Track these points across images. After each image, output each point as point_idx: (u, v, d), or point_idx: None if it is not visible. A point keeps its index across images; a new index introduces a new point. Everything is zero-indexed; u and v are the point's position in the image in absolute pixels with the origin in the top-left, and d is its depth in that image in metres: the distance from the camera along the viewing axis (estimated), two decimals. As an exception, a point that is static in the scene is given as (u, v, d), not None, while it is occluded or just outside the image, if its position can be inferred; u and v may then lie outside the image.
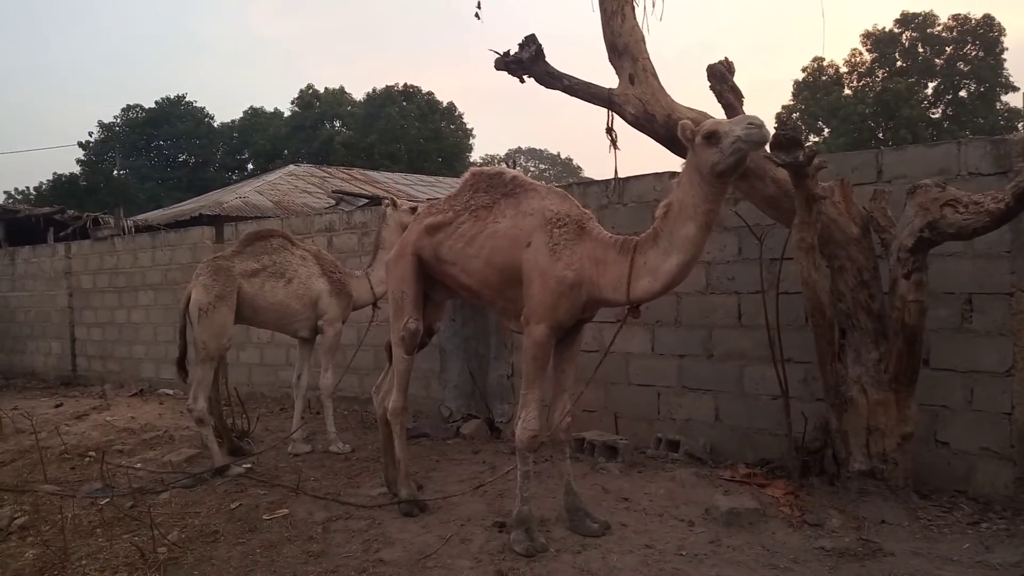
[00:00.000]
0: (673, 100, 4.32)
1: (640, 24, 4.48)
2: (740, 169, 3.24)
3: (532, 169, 55.34)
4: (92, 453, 6.19)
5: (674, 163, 4.78)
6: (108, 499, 4.90)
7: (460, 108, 43.25)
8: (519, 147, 62.27)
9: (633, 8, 4.41)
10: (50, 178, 38.65)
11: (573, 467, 4.23)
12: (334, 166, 23.02)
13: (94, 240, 11.21)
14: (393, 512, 4.45)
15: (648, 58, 4.29)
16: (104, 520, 4.52)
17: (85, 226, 12.61)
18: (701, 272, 5.31)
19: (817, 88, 37.91)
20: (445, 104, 42.52)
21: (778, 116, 37.41)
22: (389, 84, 41.98)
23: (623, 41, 4.29)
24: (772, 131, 3.20)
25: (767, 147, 3.62)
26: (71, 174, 39.05)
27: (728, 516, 4.02)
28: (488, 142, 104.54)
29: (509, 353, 6.44)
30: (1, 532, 4.39)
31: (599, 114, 4.47)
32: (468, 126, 43.29)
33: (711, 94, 4.47)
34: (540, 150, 65.96)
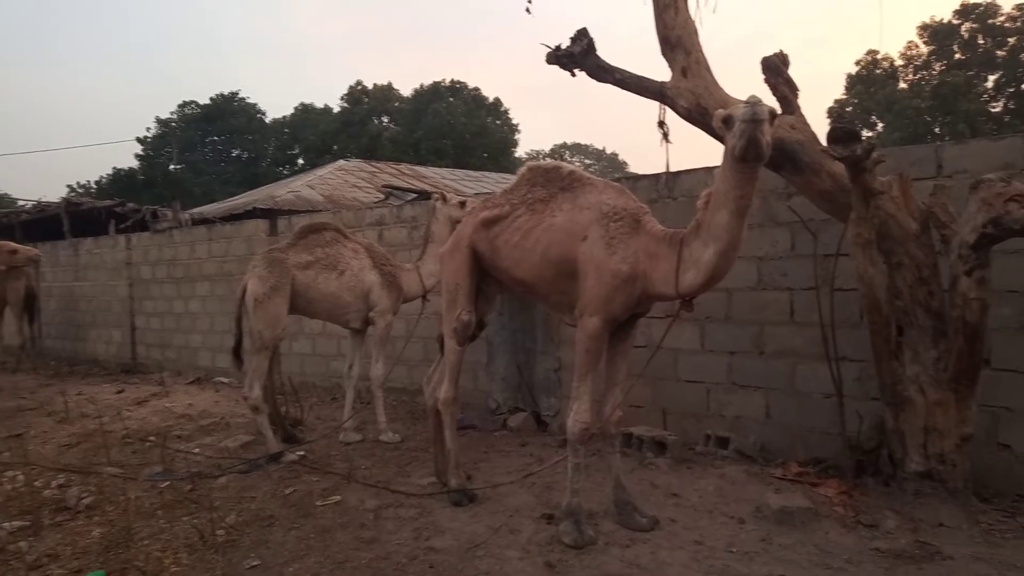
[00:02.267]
0: (726, 93, 4.28)
1: (693, 16, 4.46)
2: (757, 152, 3.17)
3: (577, 164, 55.13)
4: (152, 438, 6.41)
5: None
6: (168, 482, 5.06)
7: (506, 103, 43.40)
8: (564, 142, 62.27)
9: (686, 1, 4.38)
10: (110, 172, 39.93)
11: (621, 462, 4.24)
12: (382, 161, 23.31)
13: (153, 232, 11.56)
14: (443, 501, 4.51)
15: (701, 51, 4.26)
16: (165, 502, 4.68)
17: (144, 219, 13.04)
18: (752, 268, 5.25)
19: (871, 82, 36.96)
20: (491, 99, 42.66)
21: (830, 110, 36.61)
22: (436, 80, 42.31)
23: (676, 34, 4.27)
24: (767, 107, 3.17)
25: (825, 141, 3.58)
26: (130, 168, 40.27)
27: (780, 514, 3.98)
28: (533, 137, 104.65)
29: (556, 347, 6.46)
30: (69, 511, 4.58)
31: (645, 109, 4.47)
32: (514, 121, 43.36)
33: (766, 87, 4.42)
34: (585, 145, 65.75)
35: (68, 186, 40.65)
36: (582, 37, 4.27)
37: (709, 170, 5.47)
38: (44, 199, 16.37)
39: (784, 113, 4.16)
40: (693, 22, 4.30)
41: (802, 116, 4.26)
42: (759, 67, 4.41)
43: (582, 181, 4.05)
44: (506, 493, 4.61)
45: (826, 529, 3.90)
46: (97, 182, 40.16)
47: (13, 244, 8.21)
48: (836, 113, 36.00)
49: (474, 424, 6.53)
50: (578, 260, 3.84)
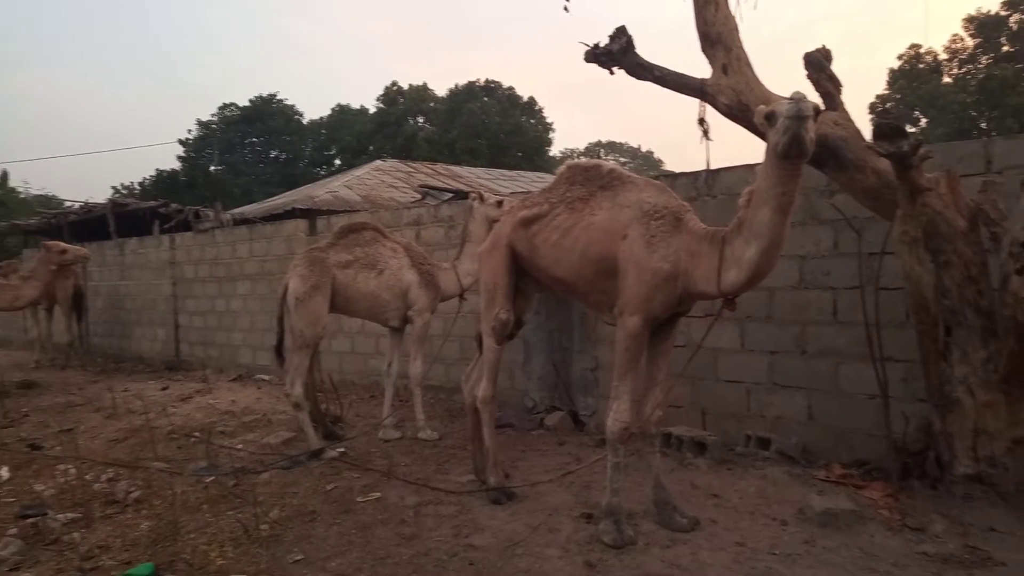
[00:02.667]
0: (768, 89, 4.23)
1: (733, 12, 4.41)
2: (800, 148, 3.14)
3: (603, 159, 54.89)
4: (197, 433, 6.54)
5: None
6: (213, 477, 5.16)
7: (541, 102, 43.35)
8: (599, 140, 62.04)
9: (726, -3, 4.34)
10: (153, 174, 40.81)
11: (661, 462, 4.22)
12: (418, 161, 23.48)
13: (196, 232, 11.80)
14: (481, 499, 4.53)
15: (742, 47, 4.22)
16: (210, 497, 4.77)
17: (187, 219, 13.32)
18: (794, 266, 5.18)
19: (914, 76, 36.15)
20: (526, 99, 42.66)
21: (872, 106, 35.90)
22: (471, 80, 42.45)
23: (716, 30, 4.23)
24: (811, 103, 3.13)
25: (870, 137, 3.52)
26: (172, 170, 41.08)
27: (823, 516, 3.92)
28: (568, 136, 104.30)
29: (593, 346, 6.44)
30: (119, 504, 4.70)
31: (680, 107, 4.46)
32: (548, 120, 43.31)
33: (807, 83, 4.36)
34: (620, 143, 65.42)
35: (113, 187, 41.64)
36: (621, 35, 4.25)
37: (749, 167, 5.41)
38: (91, 200, 16.81)
39: (827, 109, 4.09)
40: (734, 18, 4.26)
41: (846, 112, 4.19)
42: (798, 62, 4.36)
43: (622, 179, 4.04)
44: (545, 492, 4.61)
45: (871, 532, 3.83)
46: (141, 183, 41.05)
47: (63, 244, 8.45)
48: (878, 109, 35.28)
49: (511, 423, 6.54)
50: (618, 258, 3.82)
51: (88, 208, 15.76)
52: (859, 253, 4.71)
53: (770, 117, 3.21)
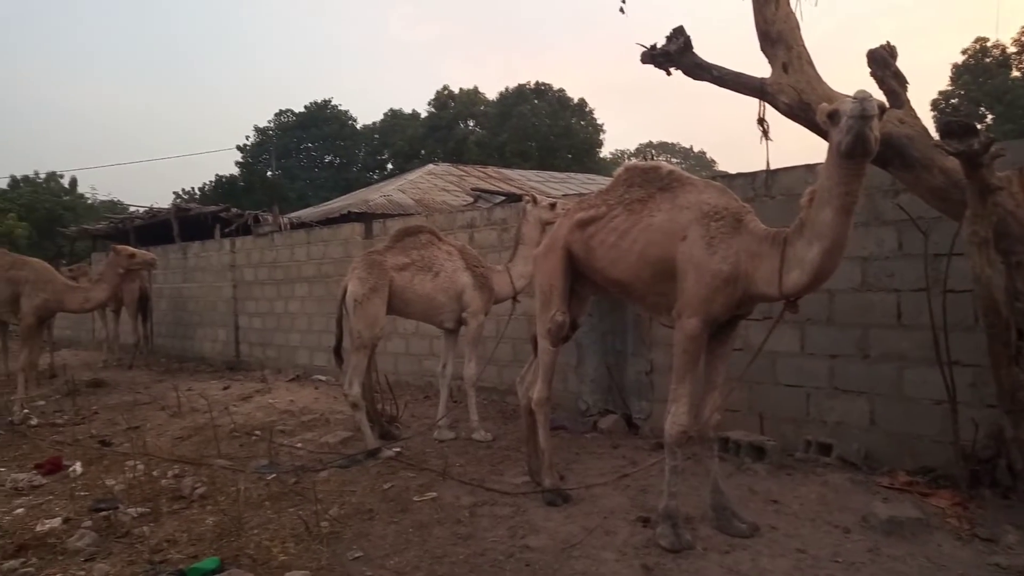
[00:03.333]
0: (830, 88, 4.14)
1: (794, 10, 4.33)
2: (864, 148, 3.07)
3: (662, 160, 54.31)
4: (258, 432, 6.71)
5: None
6: (274, 475, 5.29)
7: (591, 104, 43.19)
8: (650, 141, 61.42)
9: (787, -6, 4.27)
10: (212, 179, 41.99)
11: (719, 466, 4.16)
12: (469, 164, 23.65)
13: (256, 236, 12.09)
14: (537, 500, 4.54)
15: (803, 45, 4.14)
16: (271, 494, 4.90)
17: (247, 223, 13.65)
18: (856, 268, 5.06)
19: (980, 71, 34.83)
20: (576, 100, 42.55)
21: (935, 103, 34.75)
22: (521, 82, 42.58)
23: (776, 29, 4.16)
24: (876, 102, 3.06)
25: (938, 135, 3.42)
26: (230, 175, 42.21)
27: (888, 524, 3.82)
28: (618, 137, 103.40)
29: (648, 349, 6.39)
30: (185, 499, 4.85)
31: (734, 106, 4.39)
32: (599, 122, 43.12)
33: (870, 80, 4.26)
34: (672, 144, 64.65)
35: (174, 193, 43.02)
36: (678, 36, 4.21)
37: (810, 167, 5.31)
38: (156, 205, 17.35)
39: (892, 107, 3.99)
40: (794, 16, 4.18)
41: (911, 110, 4.08)
42: (855, 58, 4.26)
43: (681, 181, 4.01)
44: (600, 495, 4.60)
45: (938, 541, 3.72)
46: (201, 188, 42.29)
47: (131, 248, 8.71)
48: (941, 106, 34.15)
49: (564, 425, 6.54)
50: (677, 260, 3.79)
51: (153, 213, 16.27)
52: (925, 254, 4.58)
53: (833, 116, 3.16)
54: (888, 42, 4.20)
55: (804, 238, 3.43)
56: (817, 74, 4.12)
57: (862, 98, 3.02)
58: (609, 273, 4.22)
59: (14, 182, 39.53)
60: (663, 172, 4.09)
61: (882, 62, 4.13)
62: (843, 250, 3.40)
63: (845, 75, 4.35)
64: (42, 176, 40.30)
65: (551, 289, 4.49)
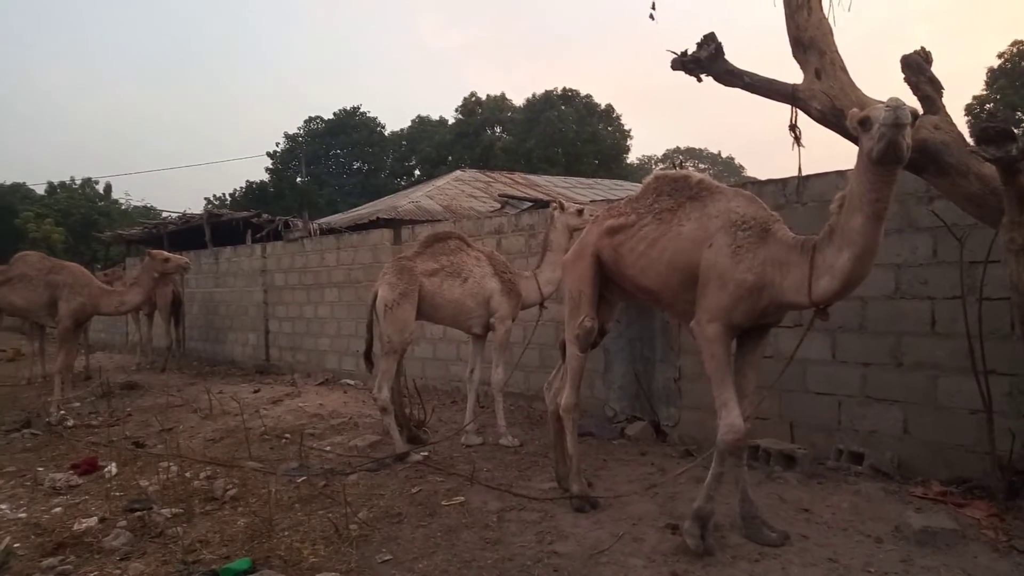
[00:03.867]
0: (864, 94, 4.10)
1: (826, 15, 4.30)
2: (896, 155, 3.05)
3: (692, 169, 53.97)
4: (288, 435, 6.79)
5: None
6: (304, 478, 5.35)
7: (618, 109, 43.11)
8: (677, 147, 61.13)
9: (819, 0, 4.23)
10: (243, 185, 42.60)
11: (748, 475, 4.13)
12: (496, 170, 23.73)
13: (286, 241, 12.24)
14: (564, 506, 4.54)
15: (836, 51, 4.10)
16: (301, 496, 4.95)
17: (277, 228, 13.83)
18: (889, 275, 5.00)
19: (1016, 75, 34.15)
20: (603, 106, 42.53)
21: (969, 107, 34.13)
22: (548, 88, 42.62)
23: (809, 35, 4.13)
24: (909, 109, 3.03)
25: (973, 141, 3.38)
26: (261, 181, 42.83)
27: (921, 535, 3.76)
28: (646, 143, 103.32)
29: (676, 356, 6.36)
30: (217, 501, 4.92)
31: (762, 111, 4.36)
32: (626, 127, 43.03)
33: (904, 85, 4.21)
34: (699, 149, 64.31)
35: (206, 198, 43.70)
36: (709, 42, 4.20)
37: (841, 173, 5.25)
38: (188, 211, 17.65)
39: (927, 113, 3.94)
40: (827, 22, 4.15)
41: (947, 115, 4.03)
42: (889, 62, 4.20)
43: (711, 190, 4.02)
44: (628, 502, 4.58)
45: (974, 553, 3.66)
46: (232, 194, 42.94)
47: (166, 253, 8.88)
48: (976, 110, 33.53)
49: (591, 432, 6.52)
50: (701, 266, 3.81)
51: (186, 218, 16.55)
52: (961, 261, 4.51)
53: (864, 123, 3.14)
54: (923, 47, 4.14)
55: (834, 245, 3.41)
56: (850, 80, 4.08)
57: (895, 106, 3.00)
58: (638, 280, 4.23)
59: (51, 188, 40.47)
60: (692, 181, 4.11)
61: (917, 68, 4.08)
62: (874, 257, 3.37)
63: (879, 80, 4.31)
64: (78, 182, 41.22)
65: (580, 295, 4.51)
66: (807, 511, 4.30)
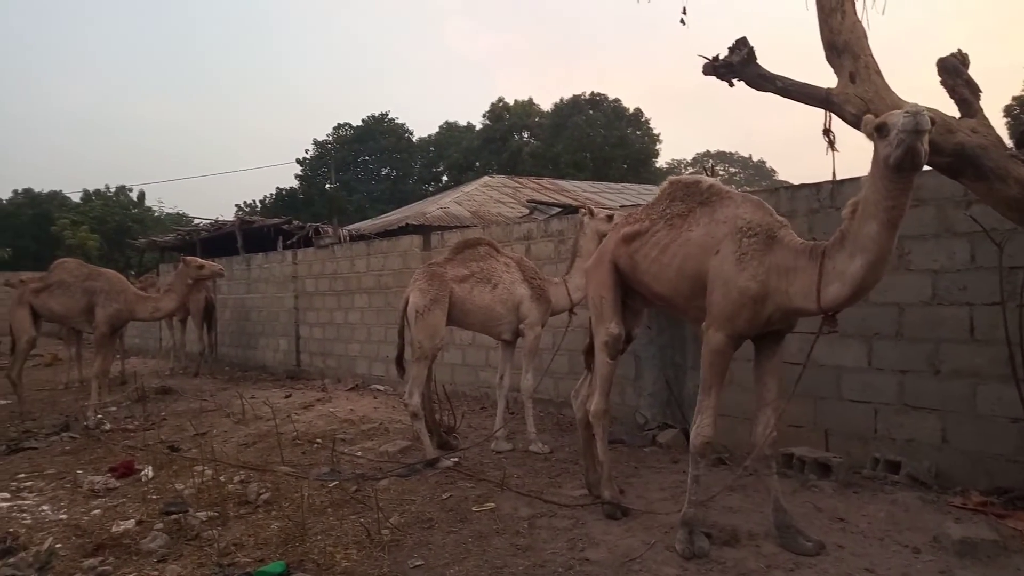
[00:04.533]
0: (899, 97, 4.04)
1: (860, 19, 4.25)
2: (914, 161, 3.02)
3: (722, 173, 53.45)
4: (319, 440, 6.85)
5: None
6: (336, 482, 5.39)
7: (647, 113, 42.96)
8: (707, 150, 60.58)
9: (853, 4, 4.19)
10: (273, 192, 43.18)
11: (781, 483, 4.09)
12: (524, 176, 23.76)
13: (317, 248, 12.37)
14: (595, 513, 4.53)
15: (871, 55, 4.05)
16: (333, 501, 4.99)
17: (308, 235, 13.97)
18: (926, 281, 4.92)
19: (1057, 75, 33.41)
20: (631, 110, 42.40)
21: (1008, 108, 33.46)
22: (576, 93, 42.61)
23: (843, 39, 4.09)
24: (929, 115, 2.98)
25: (1014, 145, 3.32)
26: (290, 188, 43.42)
27: (961, 546, 3.69)
28: (675, 146, 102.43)
29: (708, 362, 6.30)
30: (250, 504, 4.98)
31: (794, 114, 4.31)
32: (655, 131, 42.86)
33: (940, 89, 4.14)
34: (730, 153, 63.72)
35: (236, 205, 44.41)
36: (741, 46, 4.17)
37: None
38: (220, 218, 17.91)
39: (964, 116, 3.88)
40: (861, 25, 4.10)
41: (985, 119, 3.95)
42: (923, 63, 4.13)
43: (720, 195, 4.02)
44: (660, 509, 4.56)
45: (1017, 565, 3.58)
46: (262, 201, 43.55)
47: (200, 260, 9.02)
48: (1016, 111, 32.86)
49: (622, 439, 6.49)
50: (709, 274, 3.82)
51: (218, 225, 16.79)
52: (1000, 267, 4.43)
53: (881, 129, 3.11)
54: (959, 50, 4.08)
55: (845, 251, 3.38)
56: (885, 83, 4.03)
57: (915, 111, 2.97)
58: (653, 287, 4.26)
59: (87, 196, 41.30)
60: (703, 186, 4.11)
61: (953, 70, 4.01)
62: (887, 264, 3.34)
63: (915, 82, 4.26)
64: (112, 190, 42.01)
65: (602, 302, 4.53)
66: (843, 520, 4.24)
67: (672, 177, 4.48)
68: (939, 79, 4.11)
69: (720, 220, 3.88)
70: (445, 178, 44.67)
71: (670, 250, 4.08)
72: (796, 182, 6.25)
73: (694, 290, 3.96)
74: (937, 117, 3.71)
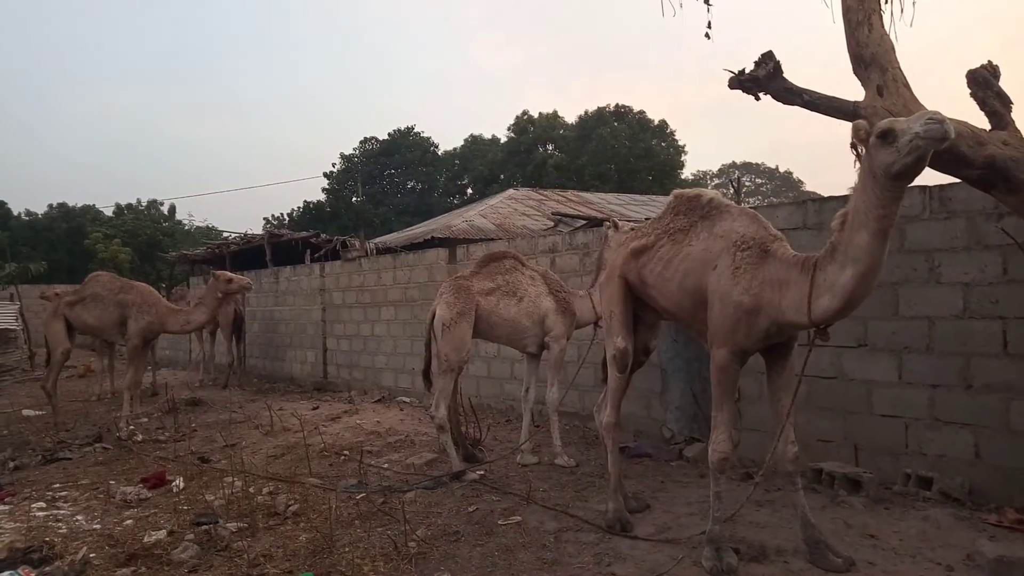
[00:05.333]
0: (927, 109, 4.01)
1: (888, 31, 4.24)
2: (919, 170, 3.01)
3: (748, 184, 53.07)
4: (346, 452, 6.90)
5: (928, 178, 4.46)
6: (363, 494, 5.43)
7: (672, 125, 42.82)
8: (733, 161, 60.16)
9: (880, 16, 4.17)
10: (300, 205, 43.66)
11: (809, 499, 4.06)
12: (548, 188, 23.80)
13: (344, 261, 12.49)
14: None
15: (899, 67, 4.03)
16: (361, 513, 5.03)
17: (335, 248, 14.11)
18: (957, 294, 4.86)
19: (1091, 83, 32.84)
20: (656, 122, 42.30)
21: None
22: (600, 105, 42.62)
23: (870, 52, 4.07)
24: (951, 123, 2.94)
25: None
26: (318, 201, 43.87)
27: (996, 565, 3.61)
28: (701, 157, 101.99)
29: (735, 376, 6.26)
30: (279, 516, 5.04)
31: (823, 125, 4.29)
32: (680, 143, 42.69)
33: (970, 101, 4.10)
34: (756, 164, 63.18)
35: (265, 219, 44.93)
36: (767, 60, 4.17)
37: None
38: (249, 231, 18.16)
39: (995, 128, 3.84)
40: (889, 38, 4.08)
41: (1016, 131, 3.91)
42: (951, 73, 4.09)
43: (720, 209, 4.03)
44: (687, 524, 4.53)
45: (1055, 585, 3.50)
46: (290, 214, 44.04)
47: (230, 274, 9.16)
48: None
49: (648, 453, 6.46)
50: (708, 290, 3.83)
51: (247, 239, 17.02)
52: (1033, 280, 4.37)
53: (887, 135, 3.06)
54: (989, 61, 4.04)
55: (836, 262, 3.36)
56: (913, 96, 4.00)
57: (941, 119, 2.92)
58: (659, 302, 4.30)
59: (119, 210, 42.12)
60: (704, 200, 4.13)
61: (984, 82, 3.98)
62: (878, 275, 3.31)
63: (943, 92, 4.22)
64: (144, 204, 42.78)
65: (612, 316, 4.56)
66: (873, 537, 4.19)
67: (677, 191, 4.49)
68: (969, 91, 4.08)
69: (718, 234, 3.91)
70: (470, 191, 44.87)
71: (672, 265, 4.10)
72: (824, 194, 6.20)
73: (696, 305, 3.98)
74: (966, 129, 3.69)
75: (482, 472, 5.91)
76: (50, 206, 45.09)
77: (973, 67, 4.07)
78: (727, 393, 3.87)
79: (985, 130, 3.83)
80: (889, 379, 5.18)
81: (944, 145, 2.95)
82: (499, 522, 4.73)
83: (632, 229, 6.17)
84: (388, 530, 4.56)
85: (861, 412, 5.31)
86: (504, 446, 6.95)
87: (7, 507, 5.61)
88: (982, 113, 4.01)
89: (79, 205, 44.50)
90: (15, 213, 44.19)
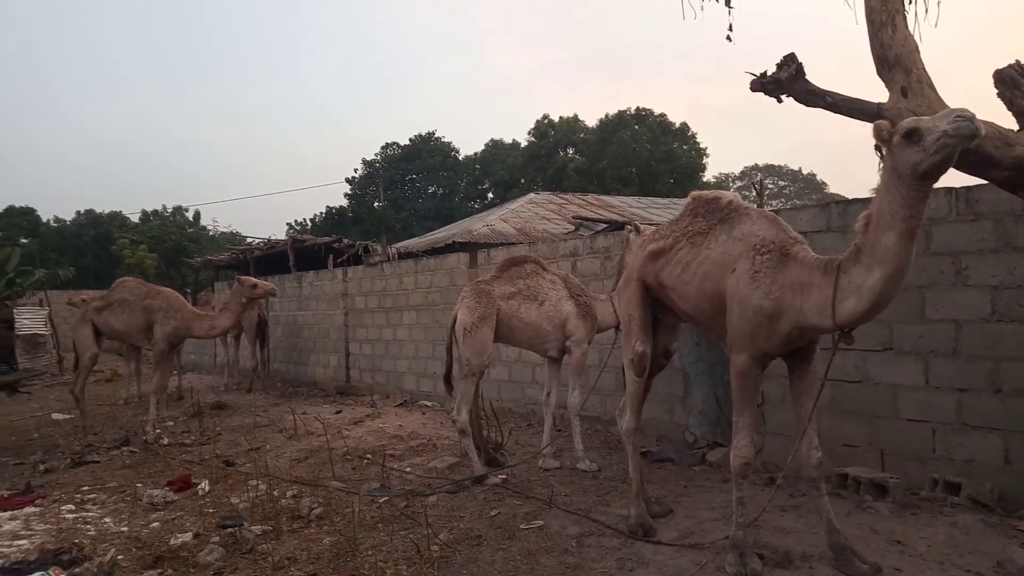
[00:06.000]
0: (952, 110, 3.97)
1: (912, 32, 4.19)
2: (946, 169, 2.96)
3: (771, 186, 52.58)
4: (369, 456, 6.94)
5: (955, 179, 4.41)
6: (385, 498, 5.46)
7: (693, 127, 42.63)
8: (755, 163, 59.71)
9: (904, 17, 4.13)
10: (323, 211, 44.03)
11: (834, 504, 4.02)
12: (568, 192, 23.77)
13: (366, 266, 12.57)
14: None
15: (923, 68, 3.99)
16: (383, 516, 5.06)
17: (358, 253, 14.21)
18: (985, 297, 4.79)
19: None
20: (678, 125, 42.11)
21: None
22: (621, 109, 42.50)
23: (894, 53, 4.03)
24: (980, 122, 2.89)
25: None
26: (340, 207, 44.22)
27: (1027, 572, 3.56)
28: (722, 160, 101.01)
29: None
30: (303, 519, 5.08)
31: (847, 126, 4.24)
32: (701, 145, 42.46)
33: (997, 101, 4.04)
34: (779, 166, 62.60)
35: (288, 224, 45.31)
36: (789, 63, 4.15)
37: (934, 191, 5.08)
38: (273, 236, 18.32)
39: (1023, 129, 3.79)
40: (913, 39, 4.04)
41: (1045, 131, 3.85)
42: (978, 72, 4.03)
43: (739, 211, 4.00)
44: (711, 529, 4.50)
45: (1088, 594, 3.44)
46: (312, 219, 44.41)
47: (254, 279, 9.26)
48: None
49: (671, 457, 6.43)
50: (727, 293, 3.79)
51: (271, 244, 17.18)
52: (1064, 283, 4.29)
53: (912, 134, 3.01)
54: (1017, 60, 3.98)
55: (862, 264, 3.31)
56: (938, 97, 3.96)
57: (969, 117, 2.88)
58: (678, 305, 4.27)
59: (145, 216, 42.61)
60: (723, 203, 4.10)
61: (1011, 82, 3.91)
62: (906, 276, 3.26)
63: (969, 93, 4.17)
64: (169, 210, 43.29)
65: (630, 320, 4.54)
66: (900, 543, 4.13)
67: (694, 192, 4.46)
68: (996, 91, 4.02)
69: (737, 238, 3.87)
70: (491, 195, 44.94)
71: (691, 268, 4.07)
72: (849, 196, 6.14)
73: (715, 309, 3.95)
74: (993, 129, 3.64)
75: (504, 476, 5.92)
76: (78, 213, 45.84)
77: (1000, 67, 4.02)
78: (748, 398, 3.84)
79: (1013, 131, 3.78)
80: (916, 383, 5.11)
81: (973, 143, 2.91)
82: (521, 526, 4.73)
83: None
84: (411, 534, 4.58)
85: (887, 416, 5.24)
86: (526, 450, 6.95)
87: (38, 509, 5.72)
88: (1009, 113, 3.96)
89: (106, 211, 45.17)
90: (44, 220, 44.94)
